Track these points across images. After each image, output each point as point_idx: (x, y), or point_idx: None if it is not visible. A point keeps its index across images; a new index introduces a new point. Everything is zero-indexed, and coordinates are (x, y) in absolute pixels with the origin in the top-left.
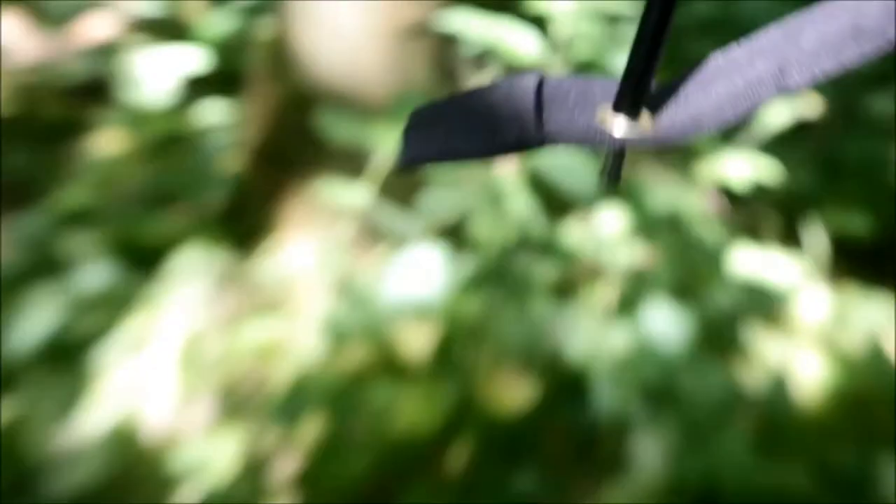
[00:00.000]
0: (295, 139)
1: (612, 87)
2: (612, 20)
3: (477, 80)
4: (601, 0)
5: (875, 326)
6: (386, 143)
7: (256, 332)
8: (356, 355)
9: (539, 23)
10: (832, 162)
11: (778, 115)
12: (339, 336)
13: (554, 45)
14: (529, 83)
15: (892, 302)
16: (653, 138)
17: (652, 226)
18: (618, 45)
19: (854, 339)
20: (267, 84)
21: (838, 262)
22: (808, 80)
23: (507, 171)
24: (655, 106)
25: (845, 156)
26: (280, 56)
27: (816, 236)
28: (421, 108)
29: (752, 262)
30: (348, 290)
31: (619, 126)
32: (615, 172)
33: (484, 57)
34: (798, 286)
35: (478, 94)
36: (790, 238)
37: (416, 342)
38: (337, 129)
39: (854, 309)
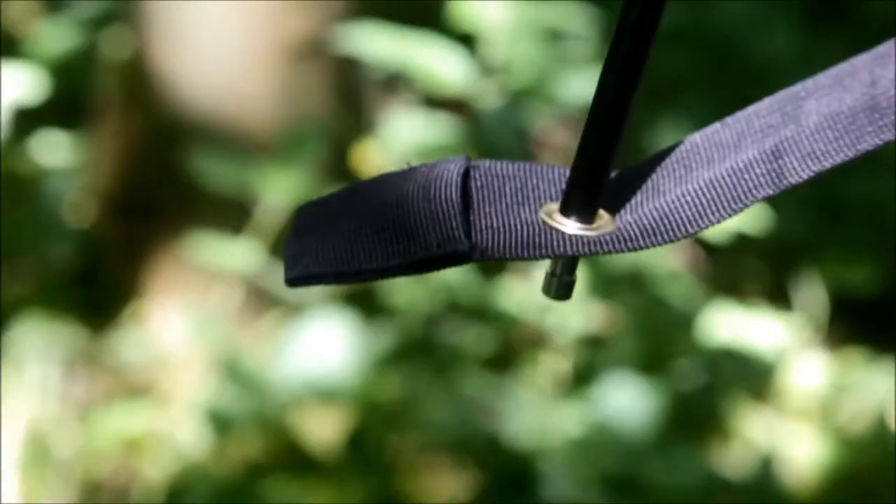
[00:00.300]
0: (159, 184)
1: (560, 177)
2: (555, 37)
3: (390, 109)
4: (541, 11)
5: (880, 398)
6: (274, 189)
7: (122, 421)
8: (249, 447)
9: (467, 41)
10: (830, 203)
11: None
12: (225, 424)
13: (485, 69)
14: (452, 172)
15: None
16: (614, 245)
17: (610, 284)
18: (562, 68)
19: (855, 412)
20: (121, 115)
21: (837, 322)
22: (813, 169)
23: None
24: (615, 201)
25: (845, 196)
26: (137, 79)
27: (811, 292)
28: (309, 205)
29: (733, 324)
30: (233, 370)
31: (570, 230)
32: (564, 288)
33: (397, 80)
34: (789, 352)
35: (384, 186)
36: (779, 295)
37: (324, 430)
38: (213, 171)
39: (855, 377)
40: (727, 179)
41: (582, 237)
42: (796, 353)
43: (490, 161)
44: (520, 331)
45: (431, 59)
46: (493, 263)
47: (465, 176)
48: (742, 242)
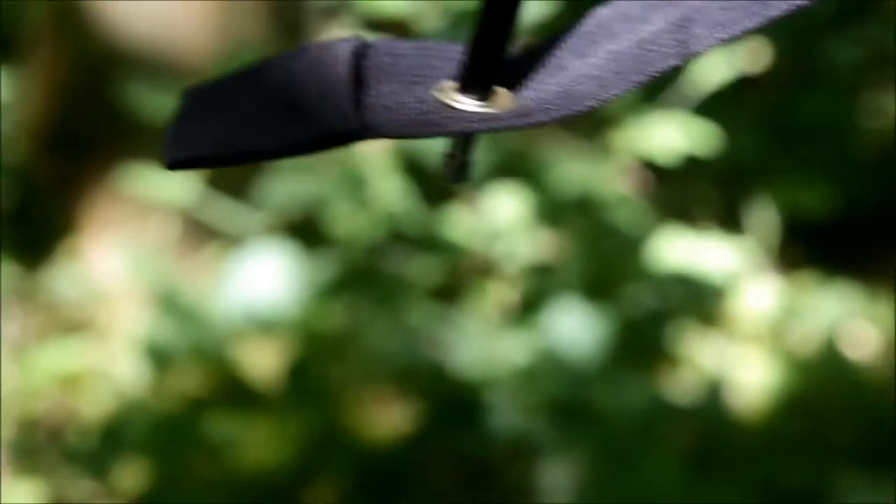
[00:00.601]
0: (92, 117)
1: (457, 55)
2: None
3: (328, 34)
4: None
5: (832, 321)
6: None
7: (58, 358)
8: (188, 381)
9: None
10: (782, 125)
11: (714, 69)
12: (164, 359)
13: None
14: (345, 51)
15: (854, 291)
16: (511, 120)
17: (557, 210)
18: None
19: (806, 336)
20: (51, 47)
21: (789, 246)
22: (719, 37)
23: (372, 148)
24: (515, 78)
25: (798, 117)
26: (67, 10)
27: (763, 216)
28: (197, 87)
29: (683, 249)
30: (172, 303)
31: (465, 107)
32: (461, 169)
33: (337, 6)
34: (740, 276)
35: (274, 67)
36: (731, 219)
37: (265, 362)
38: (147, 102)
39: (806, 301)
40: (632, 50)
41: (477, 113)
42: (747, 277)
43: (385, 40)
44: (466, 260)
45: None
46: (438, 191)
47: (359, 55)
48: (692, 166)
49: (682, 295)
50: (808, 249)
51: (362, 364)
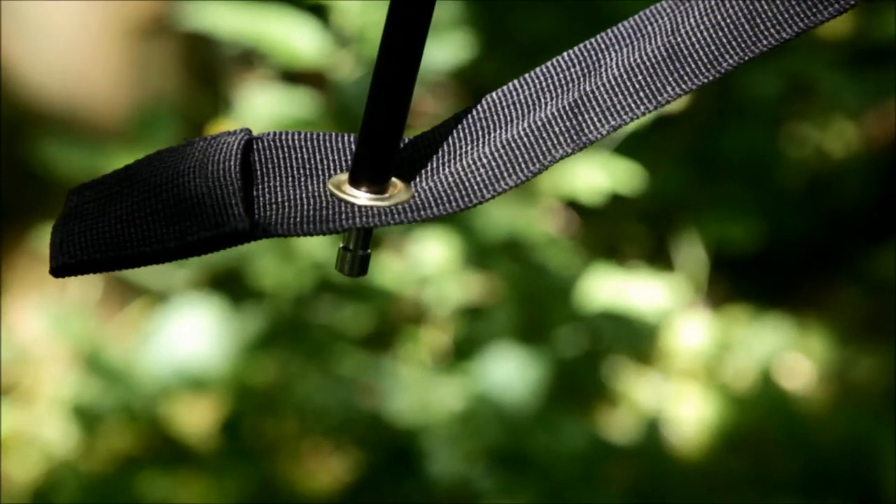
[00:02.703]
0: (7, 175)
1: (349, 146)
2: None
3: (246, 85)
4: None
5: (766, 354)
6: None
7: None
8: (119, 441)
9: (319, 12)
10: (706, 159)
11: None
12: (92, 420)
13: (340, 39)
14: (232, 145)
15: (785, 323)
16: (407, 214)
17: (486, 253)
18: None
19: (740, 370)
20: None
21: (718, 281)
22: (612, 124)
23: None
24: (410, 168)
25: (722, 151)
26: None
27: (691, 251)
28: (79, 188)
29: (613, 287)
30: (98, 363)
31: (361, 201)
32: (359, 264)
33: (252, 57)
34: (671, 312)
35: (160, 164)
36: (659, 256)
37: (197, 419)
38: (62, 159)
39: (738, 335)
40: (525, 138)
41: (373, 208)
42: (679, 313)
43: (274, 132)
44: (397, 306)
45: (283, 33)
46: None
47: (247, 148)
48: (618, 205)
49: (615, 334)
50: (737, 283)
51: (296, 417)
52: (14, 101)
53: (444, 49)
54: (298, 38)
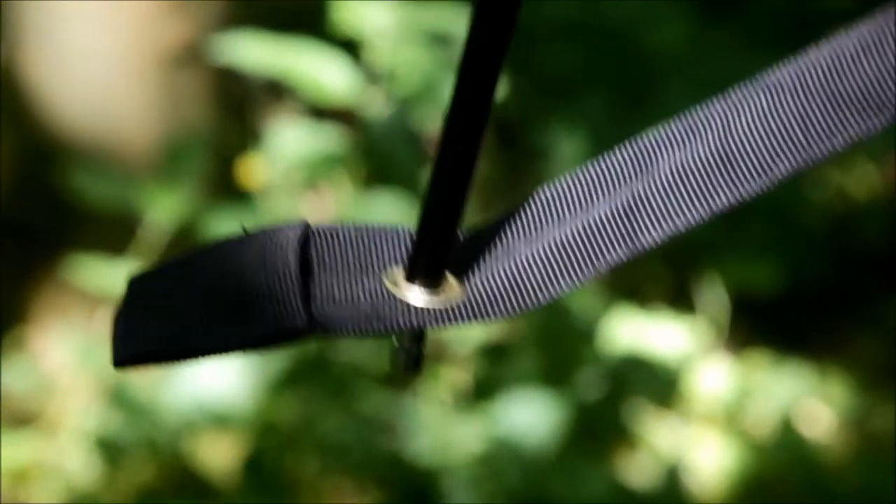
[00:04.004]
0: (37, 203)
1: (405, 239)
2: (441, 41)
3: (275, 119)
4: (424, 15)
5: (786, 400)
6: (157, 206)
7: (7, 452)
8: (140, 474)
9: (350, 48)
10: None
11: None
12: (115, 452)
13: (371, 76)
14: (290, 239)
15: (806, 369)
16: (463, 316)
17: None
18: (449, 72)
19: (760, 416)
20: None
21: (739, 325)
22: (666, 229)
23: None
24: (464, 264)
25: None
26: (7, 93)
27: (712, 294)
28: (139, 277)
29: (635, 330)
30: (122, 396)
31: (417, 300)
32: (413, 361)
33: (282, 90)
34: (693, 357)
35: (219, 256)
36: (681, 298)
37: (219, 455)
38: (91, 189)
39: (759, 380)
40: (578, 239)
41: (428, 307)
42: (700, 357)
43: (330, 226)
44: None
45: (314, 69)
46: None
47: (305, 243)
48: None
49: (636, 377)
50: (758, 326)
51: (318, 455)
52: (44, 129)
53: None
54: (329, 75)
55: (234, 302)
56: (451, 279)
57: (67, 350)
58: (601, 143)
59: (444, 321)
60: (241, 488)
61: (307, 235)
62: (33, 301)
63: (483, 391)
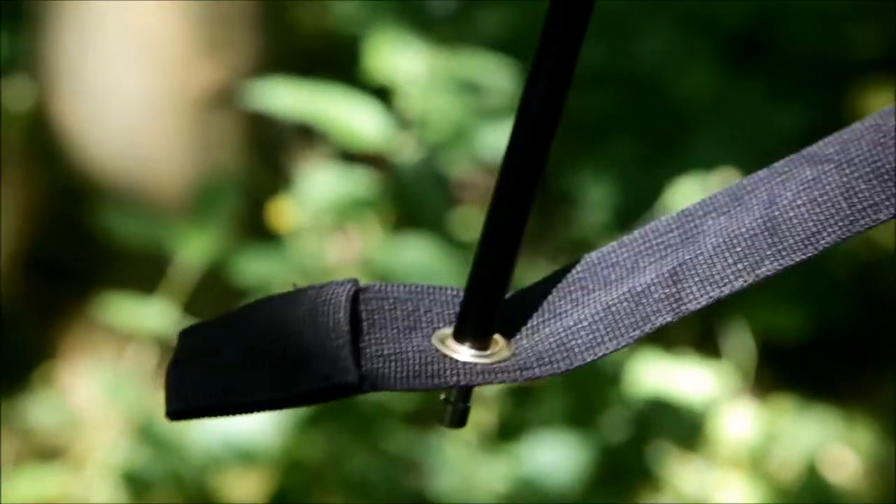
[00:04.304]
0: (67, 241)
1: (453, 299)
2: (472, 89)
3: (307, 163)
4: (456, 64)
5: (812, 445)
6: (188, 246)
7: (34, 485)
8: None
9: (382, 94)
10: None
11: (686, 191)
12: (141, 487)
13: (402, 122)
14: (340, 296)
15: (831, 415)
16: (510, 374)
17: None
18: (479, 120)
19: (785, 461)
20: (25, 168)
21: (765, 370)
22: (711, 295)
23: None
24: (511, 324)
25: None
26: (41, 132)
27: (739, 339)
28: (190, 330)
29: (660, 374)
30: (148, 432)
31: (465, 358)
32: (459, 416)
33: (314, 133)
34: (718, 401)
35: (269, 311)
36: (707, 343)
37: (245, 492)
38: (122, 228)
39: (784, 426)
40: (625, 304)
41: (476, 365)
42: (725, 401)
43: (380, 284)
44: None
45: (346, 114)
46: None
47: (354, 300)
48: None
49: (661, 420)
50: (784, 372)
51: (343, 492)
52: (77, 169)
53: (503, 131)
54: (360, 120)
55: (283, 357)
56: (499, 339)
57: (96, 386)
58: (629, 189)
59: (491, 379)
60: None
61: (356, 293)
62: (63, 337)
63: (508, 432)
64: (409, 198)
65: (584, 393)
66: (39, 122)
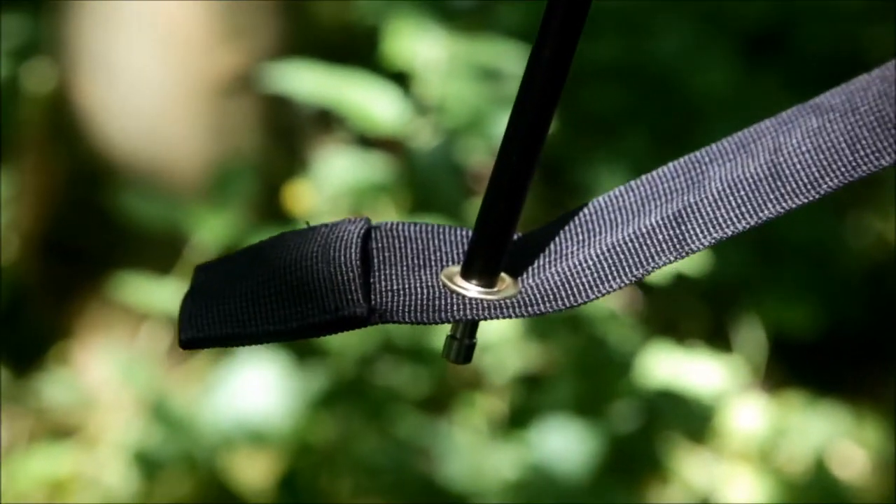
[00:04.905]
0: (85, 222)
1: (462, 239)
2: (491, 76)
3: (323, 147)
4: (474, 50)
5: (821, 441)
6: (204, 228)
7: (46, 464)
8: (177, 489)
9: (401, 80)
10: (769, 242)
11: None
12: (153, 467)
13: (419, 108)
14: (353, 232)
15: (841, 411)
16: (515, 310)
17: (547, 324)
18: (497, 106)
19: (794, 455)
20: (45, 150)
21: (775, 364)
22: (714, 236)
23: None
24: (518, 264)
25: (784, 236)
26: (60, 115)
27: (750, 333)
28: (207, 265)
29: (671, 365)
30: (162, 412)
31: (471, 294)
32: (465, 352)
33: (331, 117)
34: (728, 394)
35: (282, 248)
36: (718, 336)
37: (255, 473)
38: (140, 210)
39: (794, 420)
40: (629, 244)
41: (482, 301)
42: (735, 395)
43: (391, 222)
44: (455, 371)
45: (364, 99)
46: None
47: (366, 237)
48: (680, 283)
49: (671, 411)
50: (794, 367)
51: (353, 476)
52: (96, 150)
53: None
54: (378, 105)
55: (295, 290)
56: (505, 278)
57: (110, 365)
58: None
59: (496, 314)
60: None
61: (368, 231)
62: (78, 317)
63: (518, 419)
64: (425, 183)
65: (595, 382)
66: (59, 104)
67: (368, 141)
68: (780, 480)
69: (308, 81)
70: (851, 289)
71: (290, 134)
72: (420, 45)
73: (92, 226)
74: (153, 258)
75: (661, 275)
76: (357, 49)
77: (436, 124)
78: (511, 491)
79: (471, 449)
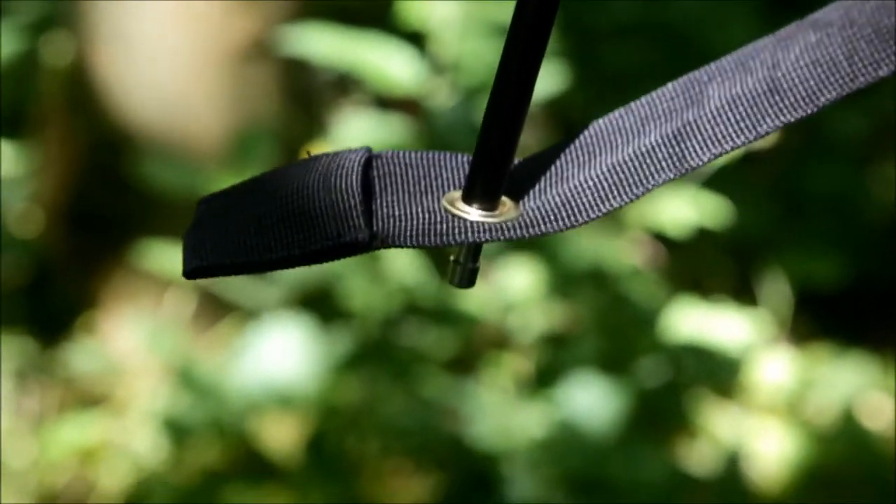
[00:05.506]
0: (108, 192)
1: (463, 165)
2: (505, 33)
3: (341, 110)
4: (490, 8)
5: (845, 392)
6: None
7: (76, 432)
8: (207, 454)
9: (416, 40)
10: (793, 196)
11: None
12: (182, 433)
13: (436, 67)
14: (354, 161)
15: (868, 362)
16: (516, 231)
17: (571, 283)
18: None
19: (821, 407)
20: (66, 121)
21: (801, 317)
22: (713, 151)
23: None
24: (519, 188)
25: (809, 188)
26: (80, 86)
27: (775, 287)
28: (210, 197)
29: (697, 321)
30: (189, 378)
31: (472, 217)
32: (468, 276)
33: (348, 82)
34: (755, 348)
35: (285, 177)
36: (744, 291)
37: (283, 436)
38: (161, 178)
39: (821, 372)
40: (630, 163)
41: (484, 223)
42: (761, 348)
43: (392, 150)
44: (481, 331)
45: (380, 60)
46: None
47: (367, 165)
48: (704, 238)
49: (697, 366)
50: (820, 320)
51: (379, 437)
52: (115, 121)
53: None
54: (395, 66)
55: (297, 218)
56: (506, 201)
57: (136, 333)
58: None
59: (498, 235)
60: (303, 469)
61: (369, 159)
62: (103, 286)
63: (545, 378)
64: (444, 143)
65: (621, 339)
66: (78, 76)
67: (386, 102)
68: (809, 433)
69: (324, 45)
70: (875, 240)
71: (307, 98)
72: (435, 3)
73: (114, 195)
74: (176, 225)
75: (683, 229)
76: (372, 10)
77: (453, 83)
78: (539, 449)
79: (498, 408)
